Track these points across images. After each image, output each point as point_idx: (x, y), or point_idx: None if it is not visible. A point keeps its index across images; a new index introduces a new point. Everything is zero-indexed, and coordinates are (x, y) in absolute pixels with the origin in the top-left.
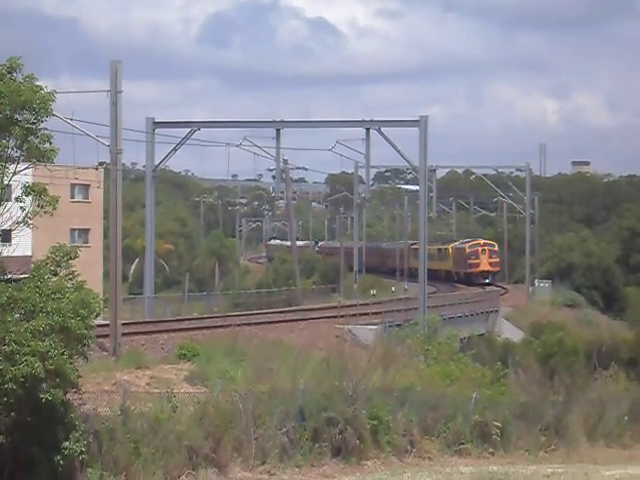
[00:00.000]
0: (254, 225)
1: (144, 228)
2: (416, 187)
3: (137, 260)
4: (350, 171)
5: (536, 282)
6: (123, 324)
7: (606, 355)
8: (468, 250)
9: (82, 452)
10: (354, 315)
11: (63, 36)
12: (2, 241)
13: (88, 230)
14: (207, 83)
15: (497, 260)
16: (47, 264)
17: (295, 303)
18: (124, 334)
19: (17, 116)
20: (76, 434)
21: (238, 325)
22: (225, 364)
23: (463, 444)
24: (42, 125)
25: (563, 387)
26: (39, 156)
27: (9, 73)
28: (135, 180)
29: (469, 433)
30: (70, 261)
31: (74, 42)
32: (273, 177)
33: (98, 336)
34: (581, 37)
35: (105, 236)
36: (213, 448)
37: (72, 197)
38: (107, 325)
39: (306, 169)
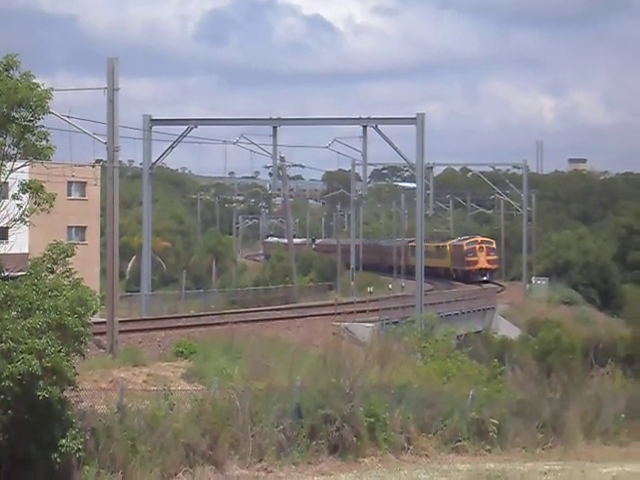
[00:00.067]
0: (251, 222)
1: (141, 226)
2: (413, 185)
3: (134, 258)
4: (347, 168)
5: (533, 279)
6: (120, 321)
7: (603, 352)
8: (466, 248)
9: (79, 450)
10: (351, 312)
11: (60, 33)
12: None
13: (85, 228)
14: (204, 80)
15: (495, 257)
16: (44, 262)
17: (292, 300)
18: (121, 331)
19: (14, 114)
20: (73, 432)
21: (235, 322)
22: (222, 361)
23: (460, 441)
24: (39, 123)
25: (560, 384)
26: (36, 154)
27: (6, 70)
28: (132, 177)
29: (466, 430)
30: (67, 259)
31: (71, 39)
32: (270, 174)
33: (95, 333)
34: (578, 34)
35: (102, 234)
36: (210, 445)
37: (69, 195)
38: (104, 322)
39: (303, 166)
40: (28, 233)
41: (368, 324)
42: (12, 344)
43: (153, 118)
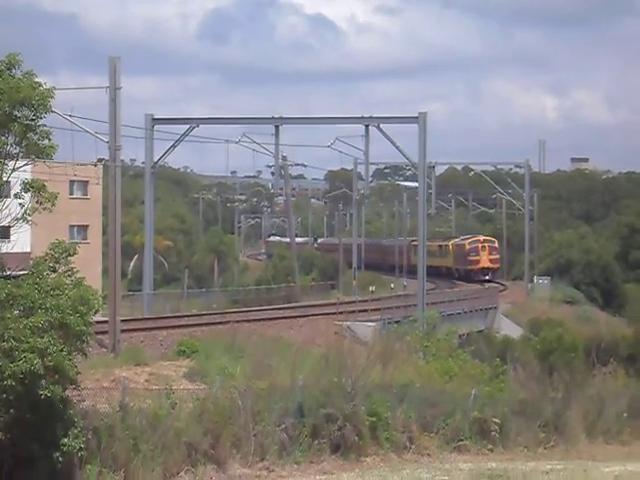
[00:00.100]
0: (253, 222)
1: (143, 224)
2: (415, 184)
3: (136, 257)
4: (349, 168)
5: (535, 279)
6: (122, 321)
7: (605, 352)
8: (468, 247)
9: (81, 449)
10: (353, 312)
11: (61, 32)
12: (1, 237)
13: (87, 227)
14: (206, 79)
15: (497, 257)
16: (46, 261)
17: (294, 300)
18: (123, 331)
19: (16, 113)
20: (75, 431)
21: (237, 322)
22: (224, 360)
23: (462, 440)
24: (41, 122)
25: (562, 384)
26: (38, 153)
27: (8, 69)
28: (134, 176)
29: (468, 429)
30: (69, 258)
31: (72, 38)
32: (272, 174)
33: (97, 333)
34: (580, 34)
35: (104, 232)
36: (212, 444)
37: (71, 194)
38: (106, 322)
39: (305, 165)
40: (30, 232)
41: (370, 323)
42: (14, 343)
43: (155, 117)
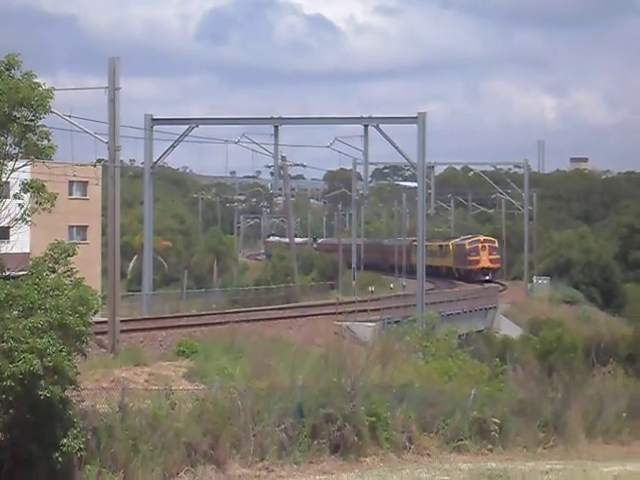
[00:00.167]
0: (252, 222)
1: (142, 225)
2: (414, 184)
3: (135, 257)
4: (348, 168)
5: (534, 279)
6: (121, 321)
7: (604, 351)
8: (468, 247)
9: (80, 449)
10: (352, 312)
11: (61, 33)
12: (0, 238)
13: (86, 227)
14: (205, 80)
15: (497, 257)
16: (45, 261)
17: (293, 300)
18: (122, 331)
19: (15, 113)
20: (74, 431)
21: (236, 322)
22: (223, 361)
23: (461, 440)
24: (40, 122)
25: (561, 383)
26: (37, 153)
27: (7, 70)
28: (133, 177)
29: (467, 429)
30: (68, 258)
31: (72, 39)
32: (271, 174)
33: (96, 333)
34: (579, 34)
35: (103, 233)
36: (211, 445)
37: (70, 194)
38: (105, 322)
39: (304, 166)
40: (29, 232)
41: (369, 323)
42: (13, 343)
43: (154, 117)
